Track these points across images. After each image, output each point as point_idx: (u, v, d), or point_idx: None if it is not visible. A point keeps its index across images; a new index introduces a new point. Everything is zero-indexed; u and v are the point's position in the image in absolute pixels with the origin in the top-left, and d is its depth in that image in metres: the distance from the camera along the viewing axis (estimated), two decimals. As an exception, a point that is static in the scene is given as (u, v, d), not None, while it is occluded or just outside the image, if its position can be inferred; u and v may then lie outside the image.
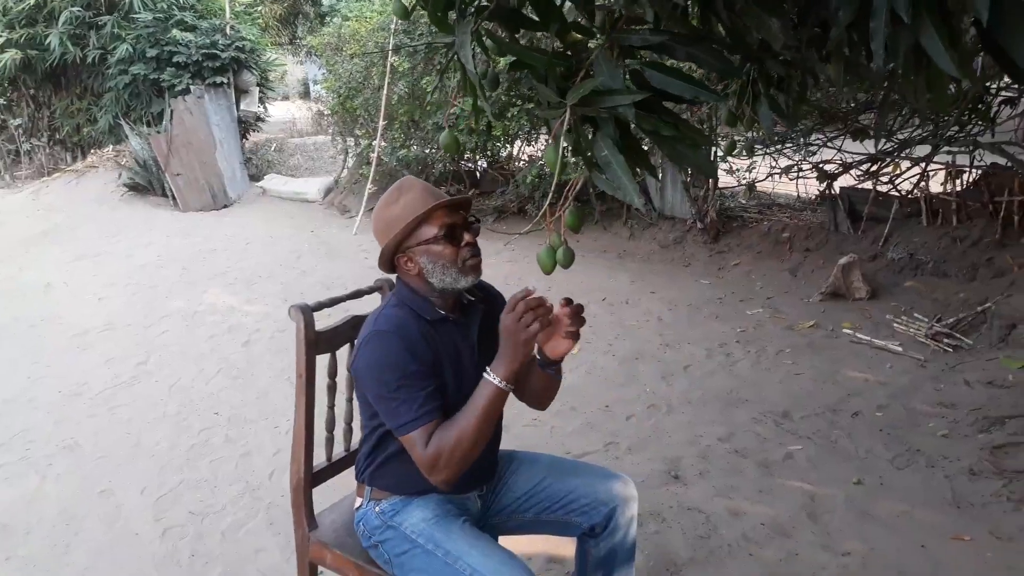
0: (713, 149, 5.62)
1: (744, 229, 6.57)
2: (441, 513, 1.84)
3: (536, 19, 1.52)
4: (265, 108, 10.91)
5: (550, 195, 1.63)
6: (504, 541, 2.17)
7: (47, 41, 9.87)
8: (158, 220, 8.51)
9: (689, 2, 1.66)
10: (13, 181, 11.39)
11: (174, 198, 8.87)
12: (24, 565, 2.84)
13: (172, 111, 8.76)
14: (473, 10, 1.49)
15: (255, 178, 9.87)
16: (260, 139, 11.77)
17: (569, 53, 1.57)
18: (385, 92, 7.41)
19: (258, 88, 10.22)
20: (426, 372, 1.74)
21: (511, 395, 1.74)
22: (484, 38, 1.53)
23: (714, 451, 3.41)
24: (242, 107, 10.01)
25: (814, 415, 3.71)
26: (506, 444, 3.26)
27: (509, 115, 6.71)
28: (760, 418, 3.70)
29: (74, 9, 9.72)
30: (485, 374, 1.67)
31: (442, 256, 1.78)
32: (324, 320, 2.10)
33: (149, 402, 4.17)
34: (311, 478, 2.09)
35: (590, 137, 1.49)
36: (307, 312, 2.00)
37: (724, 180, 6.86)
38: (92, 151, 11.08)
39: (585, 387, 4.12)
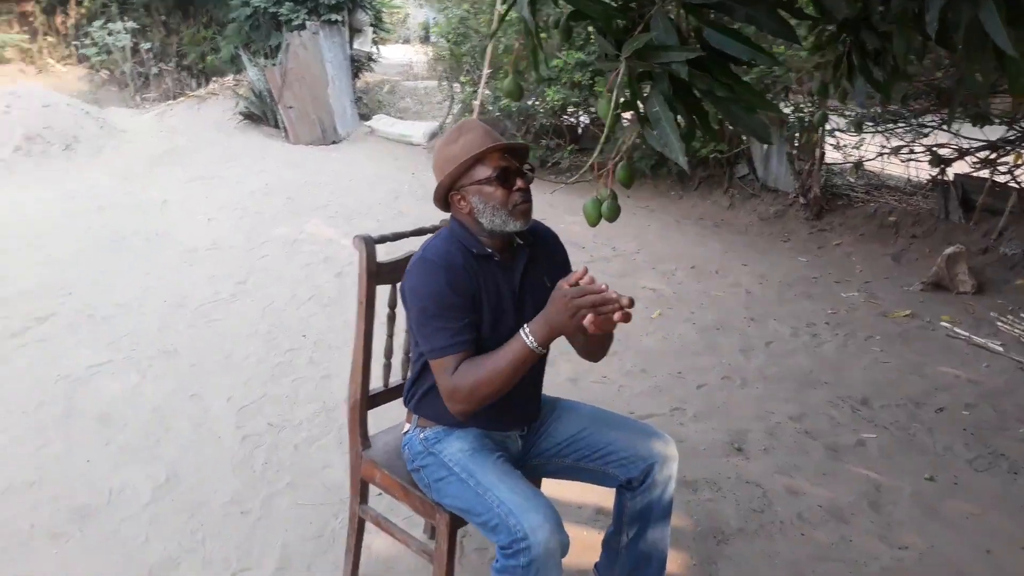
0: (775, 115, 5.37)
1: (849, 208, 6.33)
2: (478, 446, 1.91)
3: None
4: (377, 48, 11.09)
5: (599, 146, 1.62)
6: (552, 486, 2.24)
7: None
8: (269, 150, 8.84)
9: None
10: (142, 102, 11.98)
11: (285, 130, 9.18)
12: (121, 452, 3.09)
13: (288, 45, 9.01)
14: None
15: (364, 117, 10.08)
16: (374, 79, 11.99)
17: (632, 6, 1.56)
18: (491, 41, 7.42)
19: (371, 28, 10.38)
20: (464, 305, 1.81)
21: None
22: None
23: (782, 429, 3.36)
24: (355, 46, 10.20)
25: (895, 405, 3.60)
26: (578, 397, 3.34)
27: (616, 72, 6.61)
28: (837, 402, 3.62)
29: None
30: (522, 330, 1.71)
31: (493, 197, 1.84)
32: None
33: (244, 319, 4.41)
34: (367, 400, 2.19)
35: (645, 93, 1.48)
36: (370, 243, 2.09)
37: (831, 156, 6.60)
38: (214, 79, 11.53)
39: (660, 352, 4.10)
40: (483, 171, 1.84)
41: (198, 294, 4.76)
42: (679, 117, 1.44)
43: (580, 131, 8.17)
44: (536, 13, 1.46)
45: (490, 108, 7.81)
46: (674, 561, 2.50)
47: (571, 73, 6.93)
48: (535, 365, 2.05)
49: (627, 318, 1.64)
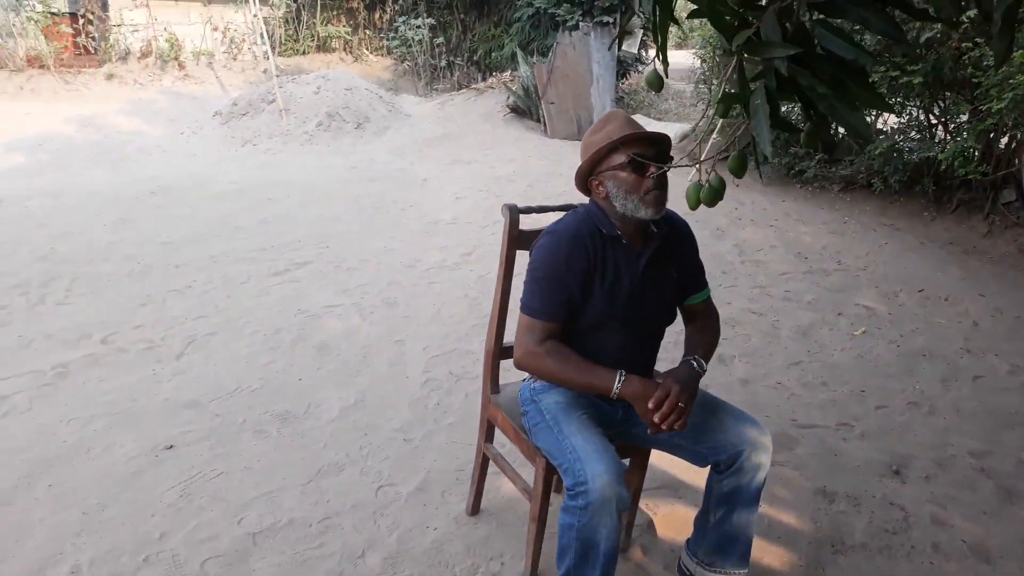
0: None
1: None
2: (571, 401, 2.11)
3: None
4: (646, 51, 11.30)
5: (713, 133, 1.74)
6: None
7: (475, -29, 11.23)
8: (527, 141, 9.44)
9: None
10: (432, 92, 13.27)
11: (545, 124, 9.73)
12: (327, 376, 3.68)
13: (557, 44, 9.53)
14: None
15: (623, 116, 10.35)
16: (640, 79, 12.22)
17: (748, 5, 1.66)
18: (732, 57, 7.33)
19: (642, 31, 10.62)
20: (571, 281, 2.00)
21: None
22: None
23: (956, 462, 3.14)
24: (623, 48, 10.51)
25: (1108, 463, 3.20)
26: (744, 400, 3.45)
27: (871, 80, 6.27)
28: (1035, 447, 3.30)
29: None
30: (620, 374, 1.96)
31: (626, 183, 1.99)
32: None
33: (460, 284, 4.90)
34: (500, 351, 2.46)
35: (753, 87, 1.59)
36: (514, 211, 2.36)
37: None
38: (495, 74, 12.47)
39: (849, 368, 3.96)
40: (619, 158, 2.00)
41: (429, 259, 5.35)
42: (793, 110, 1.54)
43: (835, 142, 7.80)
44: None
45: (732, 114, 7.72)
46: (780, 558, 2.52)
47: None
48: (650, 349, 2.23)
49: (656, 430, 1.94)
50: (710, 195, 1.68)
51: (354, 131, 9.22)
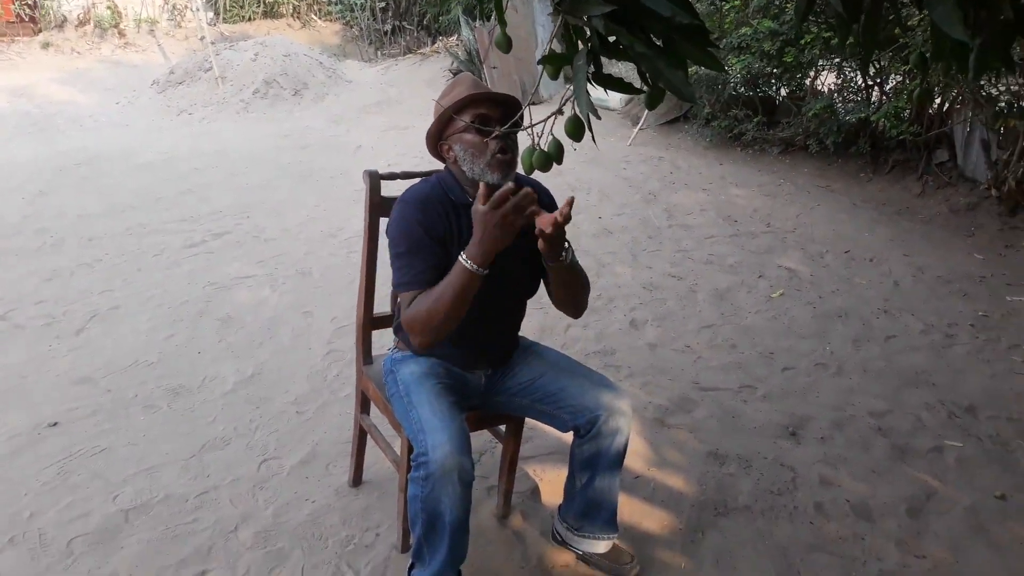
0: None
1: (1058, 207, 5.55)
2: (427, 372, 2.05)
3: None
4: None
5: (533, 88, 1.66)
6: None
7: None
8: (471, 106, 9.29)
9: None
10: (381, 57, 13.03)
11: (489, 89, 9.58)
12: (227, 348, 3.59)
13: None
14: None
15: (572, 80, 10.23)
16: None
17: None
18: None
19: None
20: (431, 247, 1.92)
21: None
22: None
23: (854, 423, 3.15)
24: (570, 9, 10.34)
25: (1005, 419, 3.22)
26: (651, 364, 3.38)
27: (803, 41, 6.23)
28: (935, 405, 3.31)
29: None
30: (460, 256, 1.79)
31: (472, 145, 1.91)
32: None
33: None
34: (370, 322, 2.40)
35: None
36: (375, 177, 2.28)
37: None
38: (441, 38, 12.26)
39: (761, 330, 3.95)
40: (463, 120, 1.92)
41: (352, 227, 5.24)
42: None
43: (777, 103, 7.78)
44: None
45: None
46: (661, 522, 2.51)
47: (761, 42, 6.62)
48: (510, 316, 2.16)
49: (561, 219, 1.74)
50: (542, 159, 1.61)
51: (292, 98, 9.03)
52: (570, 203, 1.75)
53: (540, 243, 1.86)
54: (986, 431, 3.13)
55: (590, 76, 1.51)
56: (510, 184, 1.74)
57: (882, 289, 4.56)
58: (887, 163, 6.68)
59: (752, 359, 3.65)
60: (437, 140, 2.01)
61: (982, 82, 5.50)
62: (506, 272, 2.02)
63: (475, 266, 1.77)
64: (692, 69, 7.16)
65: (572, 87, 1.50)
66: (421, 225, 1.93)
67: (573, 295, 2.07)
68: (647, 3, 1.46)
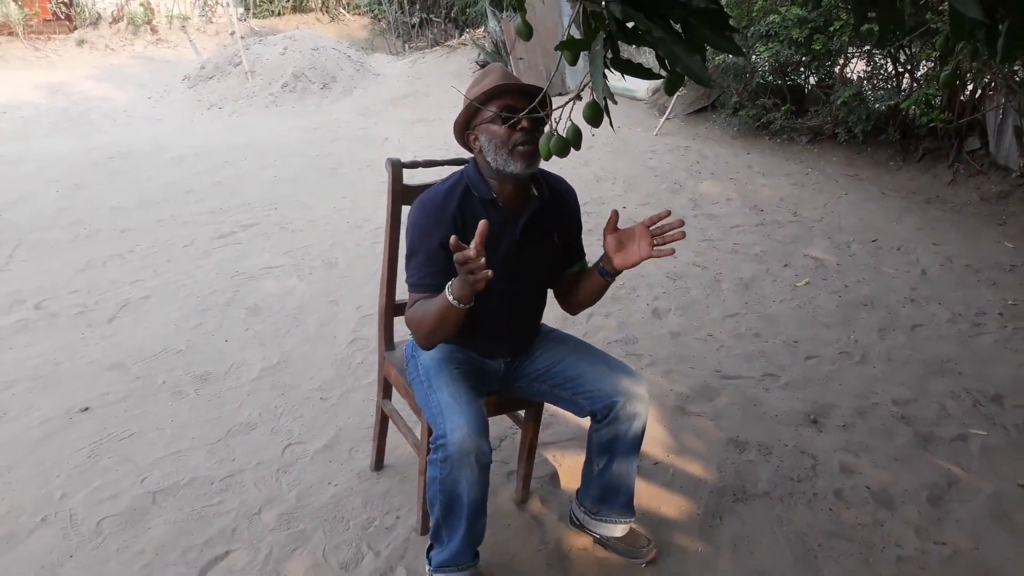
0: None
1: (1094, 195, 5.45)
2: (445, 357, 2.07)
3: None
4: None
5: (550, 78, 1.68)
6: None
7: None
8: (498, 98, 9.30)
9: None
10: (408, 50, 13.08)
11: (516, 80, 9.59)
12: (254, 336, 3.65)
13: (525, -3, 9.36)
14: None
15: (604, 71, 10.21)
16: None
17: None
18: (715, -7, 7.19)
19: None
20: (432, 251, 1.93)
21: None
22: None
23: (877, 411, 3.13)
24: (596, 0, 10.30)
25: (1033, 408, 3.19)
26: (673, 352, 3.39)
27: (832, 28, 6.16)
28: (960, 394, 3.27)
29: None
30: (448, 285, 1.77)
31: (496, 136, 1.91)
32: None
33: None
34: (392, 309, 2.43)
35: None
36: (397, 166, 2.30)
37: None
38: (468, 30, 12.27)
39: (785, 319, 3.93)
40: (489, 110, 1.92)
41: (378, 218, 5.28)
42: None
43: (805, 92, 7.69)
44: None
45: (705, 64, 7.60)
46: (679, 507, 2.52)
47: (789, 30, 6.55)
48: (531, 308, 2.18)
49: (651, 229, 1.89)
50: (559, 145, 1.62)
51: (320, 91, 9.11)
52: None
53: (615, 260, 1.95)
54: (1012, 420, 3.09)
55: (607, 61, 1.53)
56: (472, 252, 1.65)
57: (909, 278, 4.51)
58: (917, 151, 6.58)
59: (775, 348, 3.64)
60: (464, 129, 2.01)
61: (1015, 67, 5.40)
62: (528, 265, 2.04)
63: (455, 299, 1.75)
64: (719, 57, 7.12)
65: (589, 72, 1.52)
66: (427, 231, 1.95)
67: (592, 303, 2.15)
68: (669, -7, 1.47)
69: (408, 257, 1.99)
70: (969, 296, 4.24)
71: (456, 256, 1.65)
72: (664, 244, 1.90)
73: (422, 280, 1.94)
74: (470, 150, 2.06)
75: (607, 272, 2.00)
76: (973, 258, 4.78)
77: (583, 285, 2.10)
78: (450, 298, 1.76)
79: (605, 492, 2.21)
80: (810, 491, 2.61)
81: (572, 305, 2.18)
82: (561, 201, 2.13)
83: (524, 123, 1.89)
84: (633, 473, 2.18)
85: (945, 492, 2.63)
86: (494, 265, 1.91)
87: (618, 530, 2.25)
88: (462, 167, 2.10)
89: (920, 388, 3.32)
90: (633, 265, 1.94)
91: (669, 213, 1.91)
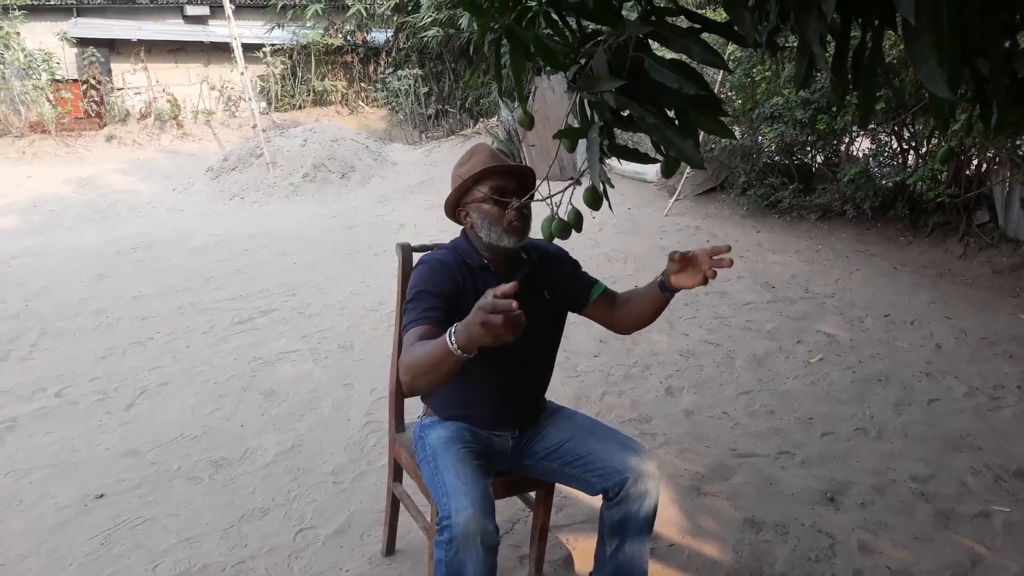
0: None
1: (1108, 266, 5.44)
2: (454, 437, 2.09)
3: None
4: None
5: (551, 165, 1.76)
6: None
7: (459, 22, 11.45)
8: (511, 183, 9.51)
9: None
10: (425, 140, 13.45)
11: (529, 165, 9.82)
12: (270, 421, 3.68)
13: (536, 88, 9.67)
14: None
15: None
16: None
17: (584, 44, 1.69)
18: (719, 78, 7.41)
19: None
20: (439, 296, 1.98)
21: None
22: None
23: (895, 488, 3.08)
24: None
25: (1057, 483, 3.13)
26: (687, 431, 3.39)
27: (834, 109, 6.31)
28: (981, 469, 3.23)
29: (482, -7, 11.13)
30: (451, 328, 1.68)
31: (489, 214, 2.04)
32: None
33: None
34: (403, 390, 2.45)
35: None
36: (407, 250, 2.39)
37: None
38: (482, 119, 12.64)
39: (799, 396, 3.91)
40: (481, 191, 2.05)
41: (392, 302, 5.35)
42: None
43: (813, 170, 7.81)
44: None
45: (712, 146, 7.79)
46: (694, 591, 2.47)
47: (793, 111, 6.71)
48: (534, 376, 2.22)
49: (711, 256, 1.96)
50: (560, 227, 1.68)
51: (339, 181, 9.36)
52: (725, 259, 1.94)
53: (678, 278, 2.01)
54: (1035, 496, 3.04)
55: (604, 147, 1.60)
56: (512, 300, 1.56)
57: (924, 352, 4.49)
58: (927, 226, 6.63)
59: (790, 425, 3.61)
60: (455, 207, 2.13)
61: (1019, 142, 5.49)
62: (528, 331, 2.08)
63: (456, 345, 1.63)
64: (725, 141, 7.28)
65: (587, 159, 1.59)
66: (432, 279, 2.02)
67: (650, 320, 2.21)
68: (655, 77, 1.56)
69: (408, 302, 1.98)
70: (985, 370, 4.22)
71: (497, 303, 1.53)
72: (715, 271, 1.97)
73: (420, 316, 1.91)
74: (459, 223, 2.17)
75: (667, 287, 2.05)
76: (988, 331, 4.76)
77: (644, 301, 2.15)
78: (452, 345, 1.64)
79: (618, 573, 2.18)
80: (829, 572, 2.56)
81: (629, 320, 2.22)
82: (549, 259, 2.23)
83: (514, 201, 2.00)
84: (646, 555, 2.16)
85: (969, 571, 2.57)
86: None
87: (632, 612, 2.22)
88: (452, 241, 2.20)
89: (939, 464, 3.27)
90: (690, 286, 1.99)
91: (730, 248, 1.97)
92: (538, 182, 2.08)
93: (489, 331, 1.54)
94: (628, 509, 2.08)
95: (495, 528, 1.87)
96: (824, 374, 4.17)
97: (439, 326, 1.87)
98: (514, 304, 1.52)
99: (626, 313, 2.22)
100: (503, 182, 2.05)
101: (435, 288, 2.00)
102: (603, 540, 2.20)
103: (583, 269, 2.32)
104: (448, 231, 7.23)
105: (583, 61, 1.61)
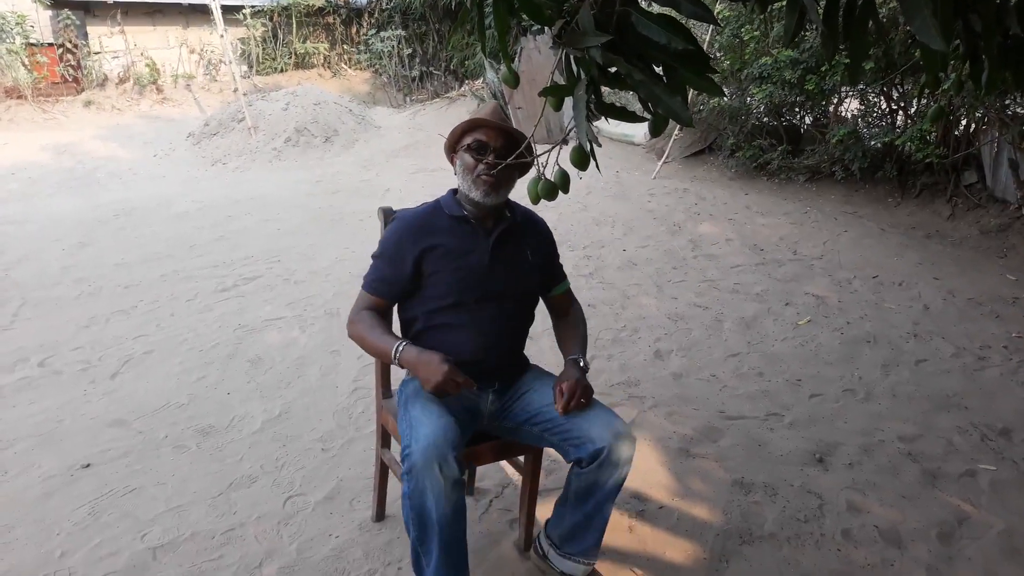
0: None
1: (1094, 226, 5.46)
2: None
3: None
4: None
5: (535, 128, 1.71)
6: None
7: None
8: (498, 147, 9.43)
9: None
10: (409, 103, 13.28)
11: (515, 128, 9.73)
12: (256, 388, 3.65)
13: (521, 49, 9.53)
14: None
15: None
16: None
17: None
18: (708, 38, 7.32)
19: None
20: (391, 264, 2.15)
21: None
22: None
23: (884, 448, 3.10)
24: (592, 48, 10.48)
25: (1042, 441, 3.15)
26: (676, 394, 3.38)
27: (823, 69, 6.25)
28: (967, 428, 3.25)
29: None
30: (401, 343, 2.06)
31: (466, 164, 2.11)
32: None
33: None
34: (389, 356, 2.43)
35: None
36: (388, 213, 2.34)
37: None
38: (468, 81, 12.47)
39: (788, 358, 3.91)
40: (467, 140, 2.11)
41: (379, 269, 5.31)
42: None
43: (801, 132, 7.77)
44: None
45: (700, 108, 7.72)
46: (684, 551, 2.48)
47: (782, 71, 6.64)
48: (512, 324, 2.26)
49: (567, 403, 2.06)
50: (547, 188, 1.66)
51: (322, 145, 9.23)
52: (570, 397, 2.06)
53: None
54: (1021, 454, 3.06)
55: (591, 105, 1.56)
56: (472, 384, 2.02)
57: (912, 313, 4.50)
58: (915, 187, 6.62)
59: (779, 387, 3.62)
60: (451, 152, 2.20)
61: (1007, 101, 5.46)
62: (503, 277, 2.16)
63: (397, 360, 2.05)
64: (714, 100, 7.22)
65: (573, 118, 1.55)
66: (400, 240, 2.14)
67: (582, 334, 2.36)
68: (643, 31, 1.51)
69: (372, 258, 2.21)
70: (973, 330, 4.23)
71: (457, 377, 1.96)
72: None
73: (374, 282, 2.20)
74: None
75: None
76: (975, 292, 4.77)
77: (561, 341, 2.35)
78: (394, 357, 2.05)
79: (575, 530, 2.17)
80: (817, 531, 2.57)
81: (556, 333, 2.39)
82: (533, 225, 2.31)
83: (491, 160, 2.06)
84: (607, 517, 2.15)
85: (955, 529, 2.59)
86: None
87: (580, 570, 2.21)
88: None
89: (926, 424, 3.29)
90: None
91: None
92: (522, 145, 2.06)
93: (434, 385, 1.97)
94: (598, 476, 2.05)
95: (458, 464, 1.85)
96: (812, 336, 4.17)
97: (385, 299, 2.20)
98: (473, 386, 2.01)
99: (558, 327, 2.38)
100: (486, 138, 2.09)
101: (391, 253, 2.15)
102: (567, 496, 2.18)
103: (560, 261, 2.40)
104: (435, 195, 7.17)
105: (569, 16, 1.57)
